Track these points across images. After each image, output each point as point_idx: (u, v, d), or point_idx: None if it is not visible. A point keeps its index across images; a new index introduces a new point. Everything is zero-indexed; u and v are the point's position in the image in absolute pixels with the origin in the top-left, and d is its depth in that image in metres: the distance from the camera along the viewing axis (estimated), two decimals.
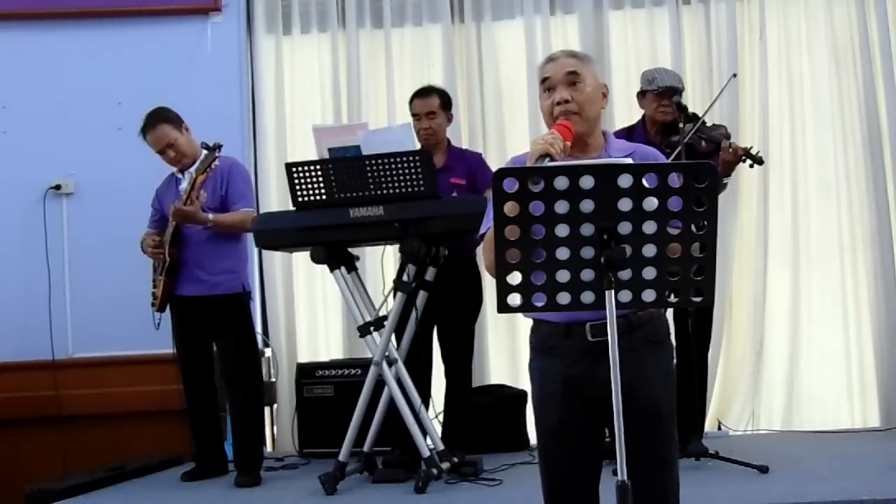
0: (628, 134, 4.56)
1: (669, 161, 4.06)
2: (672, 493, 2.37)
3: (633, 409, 2.27)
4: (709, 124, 4.52)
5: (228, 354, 4.61)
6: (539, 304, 2.02)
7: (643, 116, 4.66)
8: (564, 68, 2.44)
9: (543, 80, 2.46)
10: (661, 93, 4.46)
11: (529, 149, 2.29)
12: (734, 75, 4.53)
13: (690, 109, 4.49)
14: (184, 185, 4.53)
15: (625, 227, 1.97)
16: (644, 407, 2.28)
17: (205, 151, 4.43)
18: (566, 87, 2.42)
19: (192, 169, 4.50)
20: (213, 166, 4.40)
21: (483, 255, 2.45)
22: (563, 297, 2.02)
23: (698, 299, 2.04)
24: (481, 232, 2.46)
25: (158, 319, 4.67)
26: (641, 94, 4.60)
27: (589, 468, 2.40)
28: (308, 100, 5.91)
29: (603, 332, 2.26)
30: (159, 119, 4.61)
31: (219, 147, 4.42)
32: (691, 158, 4.29)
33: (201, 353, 4.67)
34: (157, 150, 4.61)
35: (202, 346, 4.66)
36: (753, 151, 4.34)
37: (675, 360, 2.48)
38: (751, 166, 4.41)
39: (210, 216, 4.43)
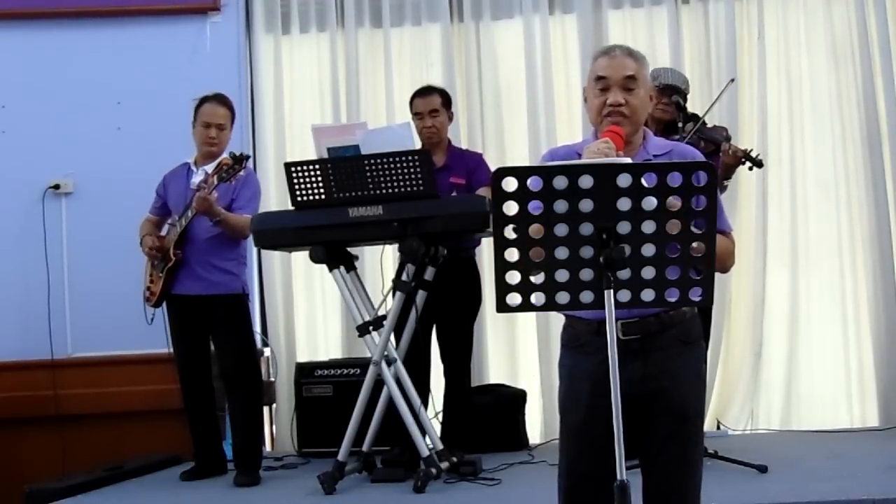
0: None
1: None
2: (692, 493, 2.36)
3: (660, 408, 2.27)
4: (709, 125, 4.52)
5: (227, 355, 4.61)
6: (538, 304, 2.02)
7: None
8: (623, 71, 2.41)
9: (599, 78, 2.42)
10: (662, 90, 4.46)
11: (584, 156, 2.26)
12: (732, 80, 4.51)
13: (689, 109, 4.49)
14: (196, 180, 4.55)
15: (624, 227, 1.97)
16: (671, 407, 2.28)
17: (230, 160, 4.39)
18: (621, 91, 2.40)
19: (207, 167, 4.52)
20: (237, 176, 4.39)
21: None
22: (562, 297, 2.02)
23: (697, 299, 2.04)
24: None
25: (152, 315, 4.68)
26: None
27: (608, 468, 2.39)
28: (307, 99, 5.91)
29: (633, 331, 2.28)
30: (231, 107, 4.70)
31: (246, 158, 4.44)
32: None
33: (199, 352, 4.67)
34: (209, 121, 4.60)
35: (200, 345, 4.67)
36: (753, 154, 4.34)
37: (706, 362, 2.47)
38: (750, 169, 4.40)
39: (222, 212, 4.44)
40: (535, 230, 1.97)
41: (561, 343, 2.49)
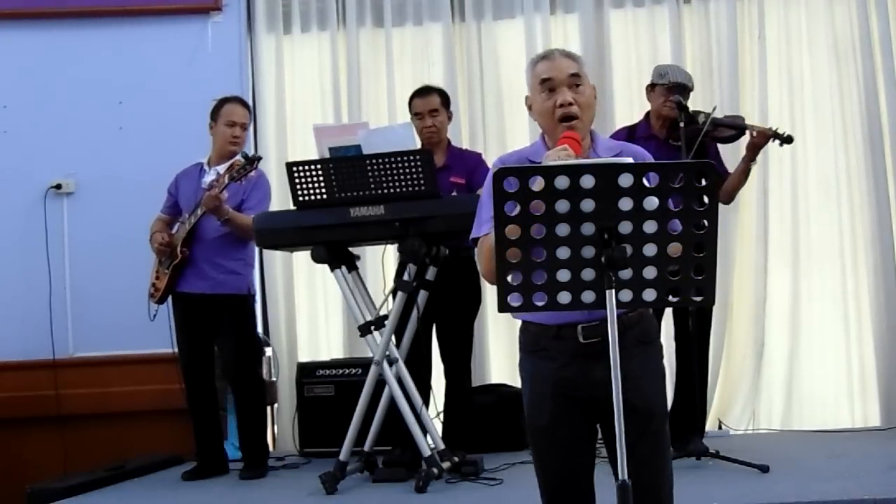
0: (630, 131, 4.56)
1: (690, 157, 4.17)
2: (665, 491, 2.37)
3: (626, 408, 2.27)
4: (720, 116, 4.54)
5: (230, 355, 4.65)
6: (540, 304, 2.02)
7: (647, 112, 4.67)
8: (567, 69, 2.42)
9: (544, 81, 2.42)
10: (671, 88, 4.49)
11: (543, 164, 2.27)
12: (714, 108, 4.60)
13: (692, 108, 4.51)
14: (207, 179, 4.58)
15: (625, 227, 1.97)
16: (636, 406, 2.28)
17: (242, 160, 4.42)
18: (569, 89, 2.40)
19: (220, 167, 4.54)
20: (249, 176, 4.42)
21: (479, 262, 2.43)
22: (564, 297, 2.01)
23: (699, 298, 2.04)
24: (473, 236, 2.45)
25: (155, 311, 4.70)
26: (651, 88, 4.61)
27: (583, 464, 2.42)
28: (308, 99, 5.91)
29: (595, 334, 2.30)
30: (250, 108, 4.85)
31: (258, 159, 4.46)
32: (706, 151, 4.37)
33: (202, 351, 4.70)
34: (234, 120, 4.68)
35: (203, 344, 4.69)
36: (780, 132, 4.44)
37: (664, 360, 2.48)
38: (781, 145, 4.48)
39: (230, 212, 4.46)
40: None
41: (519, 347, 2.50)
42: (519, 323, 2.56)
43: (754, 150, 4.46)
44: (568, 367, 2.34)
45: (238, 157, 4.49)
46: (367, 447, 4.36)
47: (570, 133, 2.34)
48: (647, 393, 2.34)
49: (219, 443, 4.81)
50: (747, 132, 4.49)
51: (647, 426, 2.31)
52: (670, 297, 2.04)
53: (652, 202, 1.96)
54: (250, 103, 5.71)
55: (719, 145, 4.67)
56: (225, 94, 4.80)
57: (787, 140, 4.45)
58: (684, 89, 4.51)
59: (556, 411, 2.37)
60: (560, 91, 2.40)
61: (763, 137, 4.42)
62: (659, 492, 2.34)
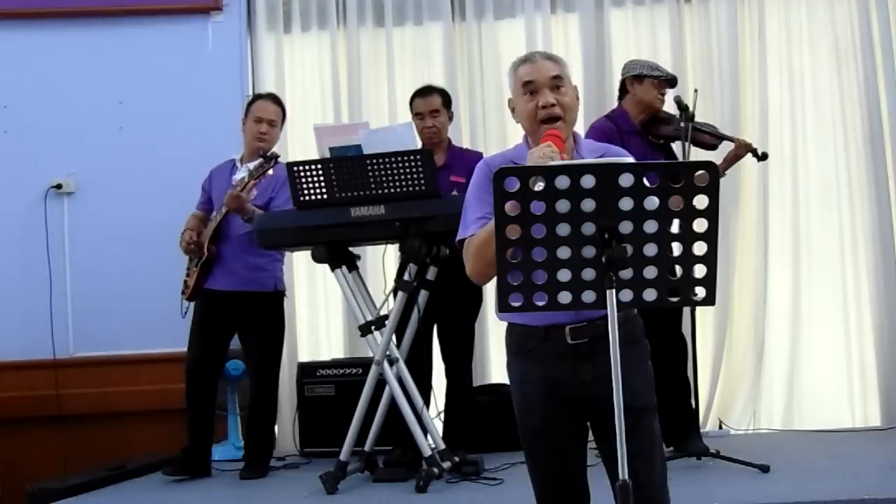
0: (612, 122, 4.53)
1: (680, 158, 4.21)
2: (654, 485, 2.37)
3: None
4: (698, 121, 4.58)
5: (253, 352, 4.67)
6: (540, 304, 2.02)
7: (620, 104, 4.65)
8: (549, 72, 2.43)
9: (526, 84, 2.43)
10: (663, 82, 4.51)
11: (528, 162, 2.28)
12: (696, 91, 4.60)
13: (665, 109, 4.56)
14: (238, 176, 4.60)
15: (626, 227, 1.97)
16: (626, 403, 2.29)
17: (261, 159, 4.46)
18: (550, 91, 2.41)
19: (251, 165, 4.55)
20: (266, 175, 4.44)
21: (466, 262, 2.43)
22: (565, 297, 2.02)
23: (700, 299, 2.04)
24: (459, 237, 2.44)
25: (186, 308, 4.72)
26: (637, 80, 4.55)
27: (575, 461, 2.44)
28: (309, 98, 5.91)
29: (582, 335, 2.33)
30: (283, 106, 4.82)
31: (276, 157, 4.47)
32: (671, 151, 4.49)
33: (215, 349, 4.70)
34: (261, 116, 4.70)
35: (218, 343, 4.71)
36: (755, 148, 4.57)
37: (650, 358, 2.49)
38: (759, 160, 4.64)
39: (252, 210, 4.49)
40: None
41: (506, 349, 2.50)
42: None
43: (734, 161, 4.58)
44: (556, 368, 2.36)
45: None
46: (367, 447, 4.36)
47: (552, 131, 2.35)
48: (636, 390, 2.34)
49: (208, 444, 4.76)
50: (733, 143, 4.55)
51: (635, 421, 2.31)
52: (671, 297, 2.04)
53: (652, 202, 1.96)
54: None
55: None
56: (258, 92, 4.93)
57: (763, 157, 4.62)
58: (673, 85, 4.55)
59: (546, 411, 2.39)
60: (542, 93, 2.41)
61: (744, 149, 4.53)
62: (650, 488, 2.34)
